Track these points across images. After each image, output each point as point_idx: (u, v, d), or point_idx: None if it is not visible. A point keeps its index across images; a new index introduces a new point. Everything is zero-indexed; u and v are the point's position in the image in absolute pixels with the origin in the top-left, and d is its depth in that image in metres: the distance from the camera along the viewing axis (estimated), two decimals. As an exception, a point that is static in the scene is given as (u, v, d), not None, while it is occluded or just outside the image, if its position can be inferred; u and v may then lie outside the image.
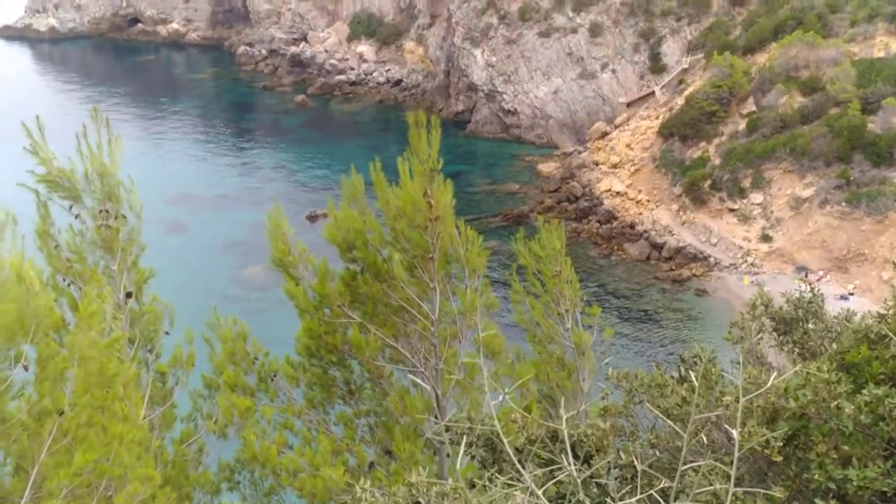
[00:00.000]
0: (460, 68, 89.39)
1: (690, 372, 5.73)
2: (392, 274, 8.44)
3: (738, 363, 5.30)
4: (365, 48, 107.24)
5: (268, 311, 44.55)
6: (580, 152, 77.15)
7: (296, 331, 8.91)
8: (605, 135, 77.65)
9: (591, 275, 56.89)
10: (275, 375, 9.05)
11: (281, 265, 8.67)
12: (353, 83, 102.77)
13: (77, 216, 8.48)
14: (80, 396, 6.33)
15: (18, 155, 8.19)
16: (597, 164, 73.34)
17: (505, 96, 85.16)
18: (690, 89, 70.38)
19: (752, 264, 56.62)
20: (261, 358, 9.15)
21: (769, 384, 4.91)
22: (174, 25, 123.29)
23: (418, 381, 8.44)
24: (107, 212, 8.50)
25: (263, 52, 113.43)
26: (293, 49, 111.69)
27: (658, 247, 60.69)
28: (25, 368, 6.28)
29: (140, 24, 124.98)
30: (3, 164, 7.89)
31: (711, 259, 58.08)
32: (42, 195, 8.27)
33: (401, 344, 8.61)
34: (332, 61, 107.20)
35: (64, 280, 8.18)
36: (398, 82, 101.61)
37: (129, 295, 8.54)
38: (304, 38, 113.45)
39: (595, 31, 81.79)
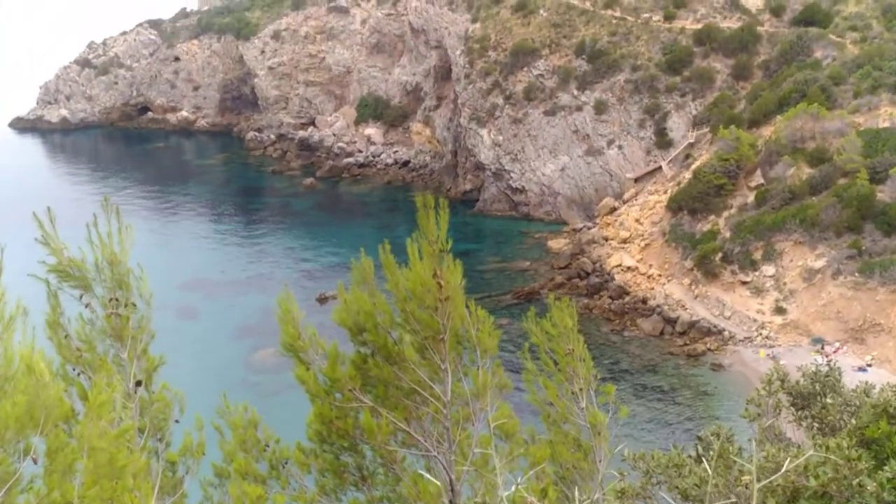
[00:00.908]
0: (467, 148, 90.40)
1: (707, 452, 5.63)
2: (403, 356, 8.38)
3: (756, 441, 5.21)
4: (372, 131, 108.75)
5: (279, 396, 44.23)
6: (589, 228, 77.40)
7: (307, 416, 8.82)
8: (613, 210, 78.01)
9: (604, 351, 56.48)
10: (286, 462, 8.92)
11: (291, 350, 8.62)
12: (361, 165, 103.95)
13: (87, 305, 8.48)
14: (90, 489, 6.24)
15: (30, 245, 8.23)
16: (606, 239, 73.50)
17: (512, 174, 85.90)
18: (697, 163, 70.88)
19: (767, 337, 56.13)
20: (272, 445, 9.04)
21: (787, 465, 4.81)
22: (184, 113, 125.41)
23: (431, 465, 8.31)
24: (117, 300, 8.50)
25: (272, 136, 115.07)
26: (301, 133, 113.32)
27: (671, 321, 60.33)
28: (35, 461, 6.21)
29: (150, 113, 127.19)
30: (16, 255, 8.01)
31: (726, 333, 57.64)
32: (53, 285, 8.28)
33: (413, 427, 8.50)
34: (340, 144, 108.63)
35: (74, 369, 8.15)
36: (406, 163, 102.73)
37: (138, 383, 8.48)
38: (312, 123, 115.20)
39: (600, 108, 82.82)
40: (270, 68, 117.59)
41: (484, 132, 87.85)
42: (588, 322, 59.42)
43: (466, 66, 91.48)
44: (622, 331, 60.60)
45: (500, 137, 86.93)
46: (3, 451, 6.21)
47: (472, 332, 8.53)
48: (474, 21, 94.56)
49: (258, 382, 51.73)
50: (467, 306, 8.54)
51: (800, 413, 7.07)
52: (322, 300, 61.78)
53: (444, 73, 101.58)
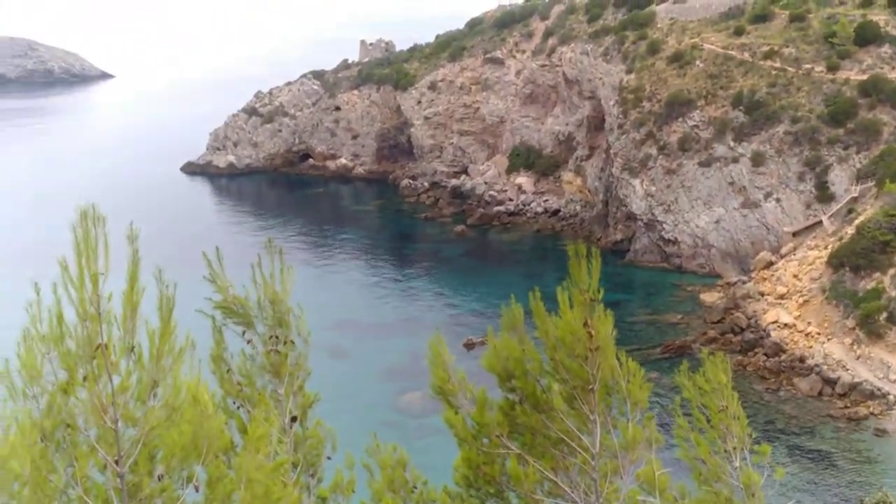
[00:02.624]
0: (619, 198, 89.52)
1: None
2: (551, 405, 8.34)
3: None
4: (524, 179, 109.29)
5: (426, 439, 44.55)
6: (744, 282, 74.95)
7: (454, 460, 8.87)
8: (770, 265, 75.28)
9: (758, 410, 54.32)
10: (432, 505, 8.99)
11: (441, 393, 8.72)
12: (511, 213, 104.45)
13: (249, 341, 8.84)
14: (245, 519, 6.47)
15: (199, 283, 8.67)
16: (762, 294, 70.95)
17: (665, 225, 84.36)
18: (861, 218, 67.72)
19: (937, 403, 52.72)
20: (419, 486, 9.13)
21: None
22: (342, 160, 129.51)
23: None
24: (276, 337, 8.82)
25: (425, 184, 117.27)
26: (454, 181, 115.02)
27: (831, 382, 57.47)
28: (196, 489, 6.50)
29: (311, 160, 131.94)
30: (186, 292, 8.55)
31: (891, 396, 54.41)
32: (218, 321, 8.68)
33: (560, 477, 8.41)
34: (492, 192, 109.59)
35: (234, 403, 8.49)
36: (556, 212, 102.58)
37: (294, 419, 8.75)
38: (465, 171, 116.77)
39: (758, 160, 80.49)
40: (426, 118, 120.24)
41: (636, 182, 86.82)
42: (742, 379, 57.37)
43: (620, 116, 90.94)
44: (778, 390, 58.17)
45: (653, 188, 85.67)
46: (169, 477, 6.54)
47: (623, 383, 8.41)
48: (629, 72, 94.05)
49: (405, 424, 52.31)
50: (617, 357, 8.44)
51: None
52: (469, 346, 62.05)
53: (597, 123, 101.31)
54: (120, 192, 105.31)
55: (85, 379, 6.44)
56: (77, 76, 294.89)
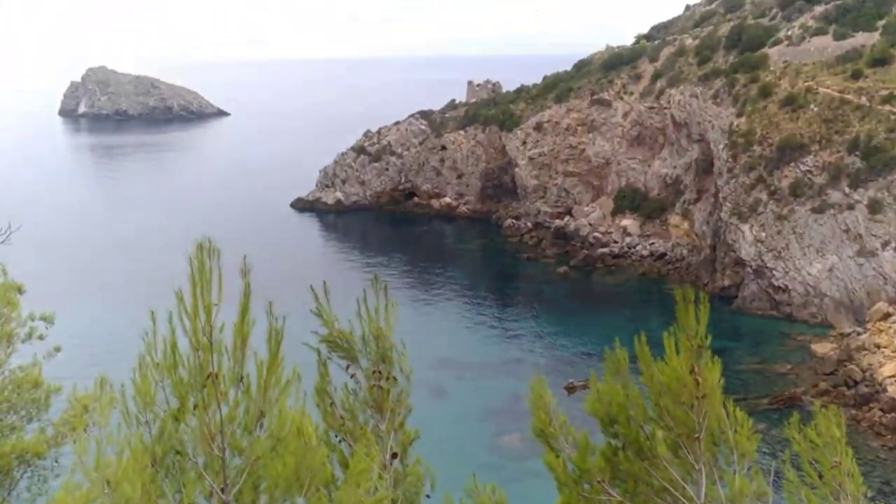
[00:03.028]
0: (727, 243, 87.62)
1: None
2: (655, 452, 8.16)
3: None
4: (629, 222, 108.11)
5: (524, 481, 44.03)
6: (859, 333, 72.11)
7: (553, 504, 8.75)
8: (887, 316, 72.29)
9: (874, 468, 51.98)
10: (530, 549, 8.87)
11: (542, 435, 8.64)
12: (615, 256, 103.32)
13: (352, 376, 8.95)
14: (344, 552, 6.51)
15: (306, 316, 8.84)
16: (878, 346, 68.11)
17: (775, 272, 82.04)
18: None
19: None
20: (517, 529, 9.03)
21: None
22: (447, 199, 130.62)
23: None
24: (379, 373, 8.91)
25: (529, 224, 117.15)
26: (557, 222, 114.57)
27: (952, 441, 54.66)
28: (297, 520, 6.58)
29: (415, 198, 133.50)
30: (294, 324, 8.75)
31: None
32: (323, 354, 8.82)
33: (662, 527, 8.21)
34: (596, 234, 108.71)
35: (336, 437, 8.58)
36: (662, 256, 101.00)
37: (394, 455, 8.78)
38: (569, 212, 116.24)
39: (875, 207, 77.72)
40: (531, 158, 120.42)
41: (745, 228, 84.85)
42: (856, 434, 55.03)
43: (729, 160, 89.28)
44: (895, 447, 55.60)
45: (763, 234, 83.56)
46: (272, 507, 6.64)
47: (730, 433, 8.18)
48: (739, 115, 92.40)
49: (504, 466, 51.86)
50: (724, 406, 8.23)
51: None
52: (571, 389, 61.31)
53: (705, 166, 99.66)
54: (233, 225, 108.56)
55: (195, 407, 6.63)
56: (194, 113, 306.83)
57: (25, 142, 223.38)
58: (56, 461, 16.65)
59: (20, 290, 17.24)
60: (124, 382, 7.38)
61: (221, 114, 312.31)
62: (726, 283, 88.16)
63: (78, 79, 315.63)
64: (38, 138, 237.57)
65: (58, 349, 18.29)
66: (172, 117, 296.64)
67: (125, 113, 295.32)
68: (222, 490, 6.61)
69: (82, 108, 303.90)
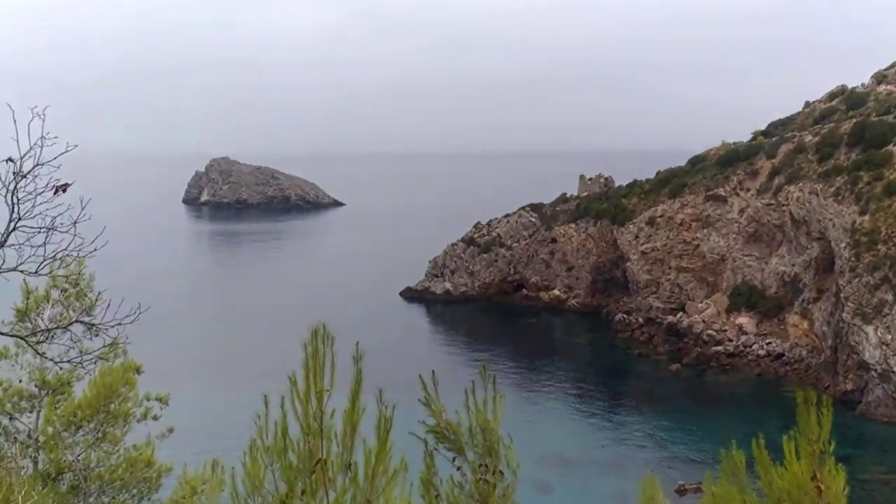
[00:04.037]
0: (850, 345, 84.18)
1: None
2: (773, 563, 7.76)
3: None
4: (744, 320, 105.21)
5: (629, 588, 42.45)
6: None
7: None
8: None
9: None
10: None
11: (652, 539, 8.34)
12: (730, 355, 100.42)
13: (458, 468, 8.85)
14: None
15: (413, 405, 8.84)
16: None
17: (901, 377, 78.18)
18: None
19: None
20: None
21: None
22: (555, 292, 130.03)
23: None
24: (486, 466, 8.79)
25: (640, 319, 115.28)
26: (670, 318, 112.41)
27: None
28: None
29: (524, 290, 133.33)
30: (401, 413, 8.79)
31: None
32: (430, 445, 8.77)
33: None
34: (710, 331, 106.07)
35: (440, 530, 8.46)
36: (780, 356, 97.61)
37: (499, 552, 8.59)
38: (682, 308, 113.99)
39: None
40: (643, 253, 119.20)
41: (870, 329, 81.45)
42: None
43: (852, 259, 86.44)
44: None
45: (889, 336, 80.00)
46: None
47: (855, 546, 7.71)
48: (862, 213, 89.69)
49: (608, 571, 50.15)
50: (849, 517, 7.79)
51: None
52: (681, 492, 59.08)
53: (825, 264, 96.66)
54: (344, 312, 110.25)
55: (303, 492, 6.65)
56: (311, 203, 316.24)
57: (151, 228, 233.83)
58: (165, 541, 16.92)
59: (138, 371, 17.82)
60: (234, 465, 7.48)
61: (337, 204, 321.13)
62: (849, 386, 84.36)
63: (202, 168, 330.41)
64: (163, 224, 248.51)
65: (171, 430, 18.73)
66: (290, 207, 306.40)
67: (245, 202, 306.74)
68: (326, 579, 6.57)
69: (204, 197, 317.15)
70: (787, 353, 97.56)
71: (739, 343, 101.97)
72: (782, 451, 7.83)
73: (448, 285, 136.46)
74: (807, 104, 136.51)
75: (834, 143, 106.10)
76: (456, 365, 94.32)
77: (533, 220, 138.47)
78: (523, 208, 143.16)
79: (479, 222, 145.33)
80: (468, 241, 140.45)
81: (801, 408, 7.60)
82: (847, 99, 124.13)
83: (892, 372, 78.83)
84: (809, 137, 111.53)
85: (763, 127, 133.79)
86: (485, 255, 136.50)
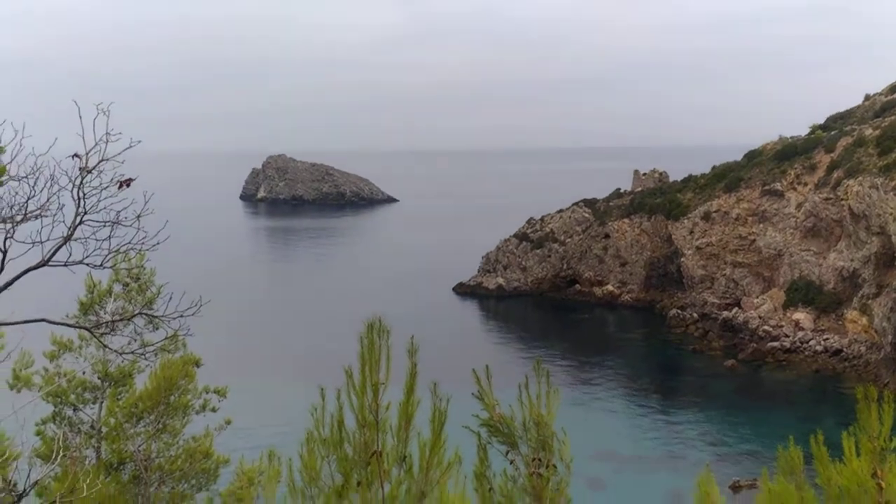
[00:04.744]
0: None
1: None
2: (832, 560, 7.67)
3: None
4: (801, 315, 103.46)
5: (684, 585, 42.05)
6: None
7: None
8: None
9: None
10: None
11: (708, 535, 8.29)
12: (787, 350, 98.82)
13: (512, 462, 8.89)
14: None
15: (467, 399, 8.89)
16: None
17: (965, 375, 76.34)
18: None
19: None
20: None
21: None
22: (609, 287, 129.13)
23: None
24: (539, 460, 8.81)
25: (695, 315, 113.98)
26: (725, 313, 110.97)
27: None
28: None
29: (577, 285, 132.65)
30: (455, 407, 8.79)
31: None
32: (483, 438, 8.81)
33: None
34: (766, 327, 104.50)
35: (494, 523, 8.51)
36: (838, 352, 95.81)
37: (552, 546, 8.62)
38: (738, 304, 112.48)
39: None
40: (698, 248, 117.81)
41: (932, 325, 79.62)
42: None
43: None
44: None
45: (952, 332, 78.15)
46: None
47: (916, 545, 7.59)
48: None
49: (662, 568, 49.77)
50: (911, 516, 7.66)
51: None
52: (736, 488, 58.41)
53: (886, 259, 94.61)
54: (398, 307, 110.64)
55: (359, 484, 6.75)
56: (365, 199, 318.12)
57: (210, 224, 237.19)
58: (222, 532, 17.20)
59: (198, 364, 18.14)
60: (291, 457, 7.59)
61: (391, 200, 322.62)
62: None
63: (259, 166, 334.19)
64: (221, 220, 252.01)
65: (229, 422, 19.03)
66: (345, 203, 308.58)
67: (301, 198, 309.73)
68: (382, 569, 6.65)
69: (261, 193, 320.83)
70: (845, 349, 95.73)
71: (796, 339, 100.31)
72: (841, 448, 7.73)
73: (501, 280, 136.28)
74: (867, 97, 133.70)
75: (895, 136, 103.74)
76: (509, 360, 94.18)
77: (586, 215, 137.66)
78: (577, 203, 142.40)
79: (532, 218, 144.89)
80: (521, 236, 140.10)
81: (861, 404, 7.50)
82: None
83: (956, 369, 77.03)
84: (869, 131, 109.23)
85: (821, 121, 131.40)
86: (538, 251, 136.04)
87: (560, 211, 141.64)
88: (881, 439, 7.39)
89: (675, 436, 75.75)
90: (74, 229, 6.62)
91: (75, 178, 6.60)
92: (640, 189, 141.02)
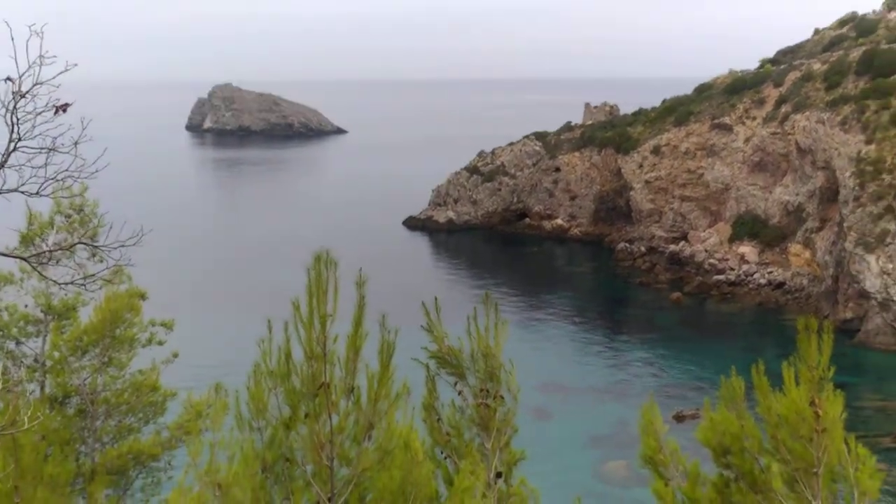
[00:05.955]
0: (851, 274, 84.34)
1: None
2: (769, 485, 7.88)
3: None
4: (747, 249, 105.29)
5: (627, 510, 43.30)
6: None
7: (660, 534, 8.53)
8: None
9: None
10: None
11: (651, 463, 8.46)
12: (731, 283, 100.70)
13: (460, 393, 8.95)
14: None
15: (416, 332, 8.89)
16: None
17: (901, 307, 78.55)
18: None
19: None
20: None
21: None
22: (558, 221, 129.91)
23: None
24: (487, 391, 8.88)
25: (642, 248, 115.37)
26: (672, 247, 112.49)
27: None
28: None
29: (527, 219, 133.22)
30: (404, 340, 8.88)
31: None
32: (432, 370, 8.84)
33: (775, 565, 7.90)
34: (712, 261, 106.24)
35: (441, 453, 8.59)
36: (780, 285, 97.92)
37: (499, 475, 8.73)
38: (685, 237, 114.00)
39: None
40: (647, 182, 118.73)
41: (871, 259, 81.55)
42: None
43: (856, 188, 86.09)
44: None
45: (890, 265, 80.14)
46: (376, 520, 6.68)
47: (850, 469, 7.83)
48: (868, 143, 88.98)
49: (608, 494, 51.08)
50: (846, 441, 7.89)
51: None
52: (680, 418, 59.90)
53: (829, 194, 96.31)
54: (347, 240, 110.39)
55: (306, 416, 6.74)
56: (313, 130, 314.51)
57: (154, 153, 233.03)
58: (170, 463, 17.20)
59: (143, 297, 17.91)
60: (238, 389, 7.55)
61: (340, 132, 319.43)
62: (849, 315, 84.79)
63: (205, 95, 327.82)
64: (166, 150, 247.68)
65: (175, 355, 18.92)
66: (293, 134, 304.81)
67: (248, 129, 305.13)
68: (329, 499, 6.68)
69: (208, 124, 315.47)
70: (788, 282, 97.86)
71: (741, 272, 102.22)
72: (781, 379, 7.89)
73: (451, 214, 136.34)
74: (816, 31, 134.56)
75: (842, 71, 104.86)
76: (458, 293, 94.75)
77: (537, 148, 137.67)
78: (527, 136, 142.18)
79: (482, 151, 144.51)
80: (471, 169, 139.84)
81: (801, 334, 7.64)
82: (857, 26, 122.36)
83: (892, 301, 79.18)
84: (818, 65, 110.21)
85: (772, 55, 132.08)
86: (488, 184, 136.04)
87: (510, 144, 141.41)
88: (820, 369, 7.54)
89: (621, 367, 77.19)
90: (8, 156, 6.40)
91: (8, 103, 6.36)
92: (590, 122, 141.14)
